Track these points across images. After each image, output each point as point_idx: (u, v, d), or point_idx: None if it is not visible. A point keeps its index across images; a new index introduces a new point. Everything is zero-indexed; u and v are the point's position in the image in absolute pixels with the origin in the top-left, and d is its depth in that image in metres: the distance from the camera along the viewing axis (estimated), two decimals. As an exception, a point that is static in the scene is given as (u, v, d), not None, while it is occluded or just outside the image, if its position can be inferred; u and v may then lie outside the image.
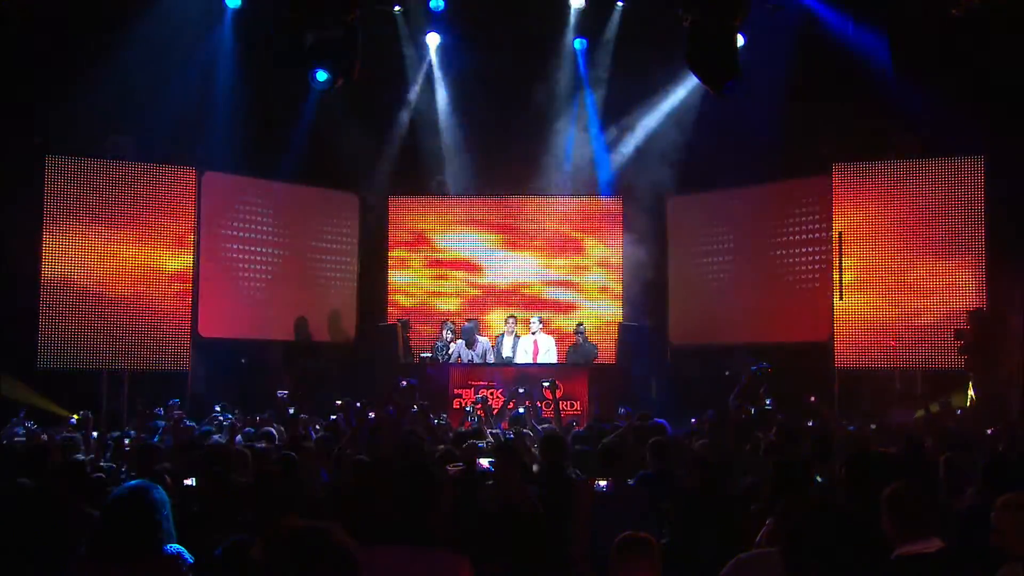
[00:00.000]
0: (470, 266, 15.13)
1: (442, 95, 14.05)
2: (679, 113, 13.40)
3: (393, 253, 15.06)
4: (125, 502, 3.65)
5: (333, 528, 2.33)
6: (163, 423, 8.68)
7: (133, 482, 5.16)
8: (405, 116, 14.11)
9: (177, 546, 3.70)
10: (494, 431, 7.86)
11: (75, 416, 8.23)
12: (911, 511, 3.65)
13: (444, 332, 13.19)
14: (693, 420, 9.05)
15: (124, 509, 3.61)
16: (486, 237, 15.12)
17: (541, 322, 13.30)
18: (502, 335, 13.21)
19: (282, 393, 8.61)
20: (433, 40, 13.72)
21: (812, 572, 2.15)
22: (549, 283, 15.07)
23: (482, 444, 5.82)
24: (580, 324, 13.57)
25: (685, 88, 13.06)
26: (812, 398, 9.34)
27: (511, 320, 13.33)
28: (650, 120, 13.56)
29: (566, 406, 11.73)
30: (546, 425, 8.19)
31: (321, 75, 6.97)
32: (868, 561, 2.13)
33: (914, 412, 10.48)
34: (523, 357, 12.91)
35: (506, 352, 12.99)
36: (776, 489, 4.23)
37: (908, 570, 3.56)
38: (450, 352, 12.97)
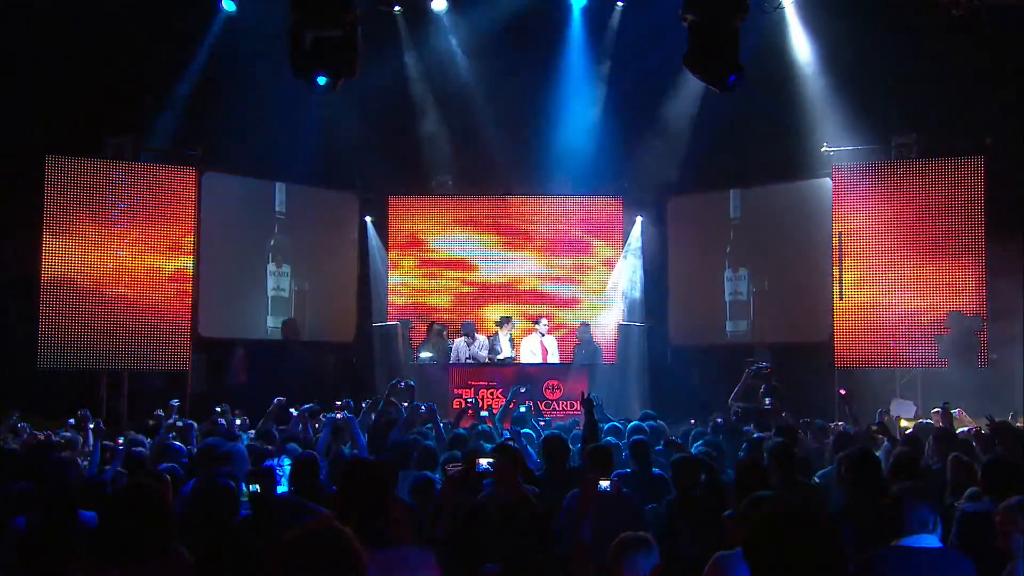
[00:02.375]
0: (469, 266, 15.13)
1: (442, 95, 14.04)
2: (679, 113, 13.39)
3: (393, 253, 15.07)
4: (126, 500, 3.65)
5: (345, 531, 2.34)
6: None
7: (134, 480, 5.18)
8: (405, 116, 14.10)
9: (178, 546, 3.70)
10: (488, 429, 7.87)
11: (72, 419, 8.22)
12: (911, 508, 3.78)
13: (443, 334, 13.17)
14: (692, 421, 9.04)
15: (125, 508, 3.61)
16: (486, 237, 15.12)
17: (547, 323, 13.29)
18: (496, 335, 13.20)
19: (279, 399, 8.61)
20: (434, 41, 13.71)
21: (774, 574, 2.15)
22: (549, 282, 15.08)
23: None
24: (586, 324, 13.56)
25: (686, 88, 13.06)
26: (842, 391, 9.34)
27: (508, 322, 13.32)
28: (651, 120, 13.55)
29: (566, 406, 11.75)
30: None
31: (320, 79, 6.95)
32: (837, 561, 2.12)
33: (914, 405, 10.49)
34: (530, 358, 12.89)
35: (505, 353, 12.95)
36: (741, 490, 4.29)
37: (902, 560, 3.68)
38: (449, 349, 12.98)
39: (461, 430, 7.82)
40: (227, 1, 12.04)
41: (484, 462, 5.02)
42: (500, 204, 15.14)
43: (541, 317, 13.35)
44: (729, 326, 14.05)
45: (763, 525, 2.19)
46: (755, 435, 7.47)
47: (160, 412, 9.32)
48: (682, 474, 5.49)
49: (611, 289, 14.88)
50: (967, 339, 11.22)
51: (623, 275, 14.71)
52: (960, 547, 4.31)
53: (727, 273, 14.02)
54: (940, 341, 11.27)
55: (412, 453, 6.35)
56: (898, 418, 9.73)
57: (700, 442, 7.24)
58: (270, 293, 13.76)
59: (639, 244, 14.56)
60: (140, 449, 6.60)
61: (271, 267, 13.73)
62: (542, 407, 9.89)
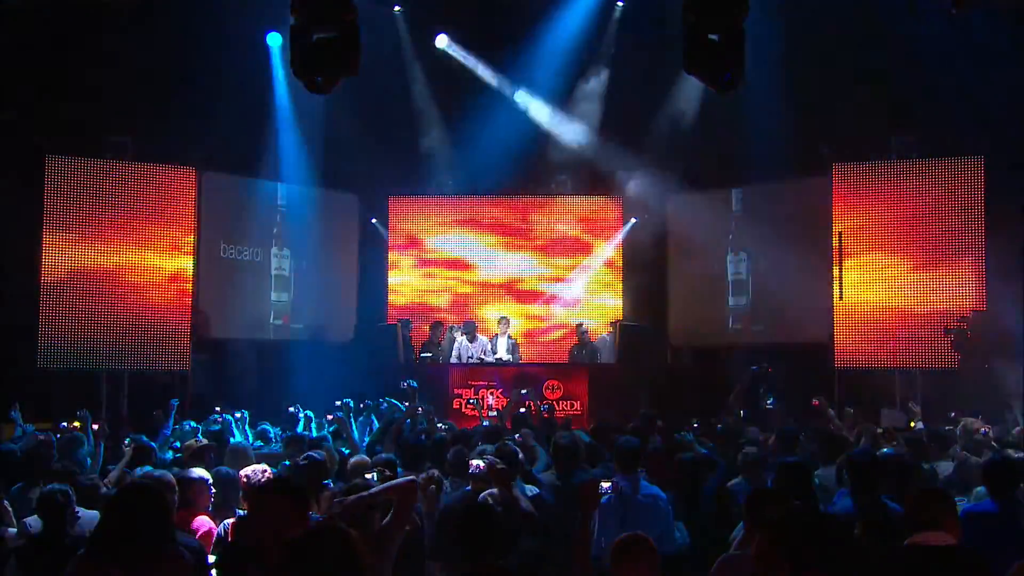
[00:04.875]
0: (469, 266, 15.13)
1: (442, 95, 14.03)
2: (679, 113, 13.39)
3: (393, 253, 15.07)
4: (127, 499, 3.64)
5: (349, 531, 2.33)
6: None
7: (137, 479, 5.18)
8: (405, 116, 14.09)
9: (178, 547, 3.69)
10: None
11: (68, 423, 8.19)
12: (925, 509, 3.88)
13: (456, 334, 13.15)
14: (696, 424, 9.01)
15: (125, 508, 3.60)
16: (485, 237, 15.13)
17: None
18: (495, 336, 13.19)
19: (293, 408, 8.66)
20: (439, 41, 13.71)
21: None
22: (548, 282, 15.09)
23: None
24: (582, 324, 13.57)
25: (686, 88, 13.05)
26: (815, 401, 9.32)
27: (504, 321, 13.32)
28: (650, 120, 13.55)
29: (566, 406, 11.74)
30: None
31: (318, 79, 6.92)
32: (842, 560, 2.12)
33: (906, 416, 10.45)
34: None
35: (502, 354, 12.93)
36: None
37: (913, 557, 3.68)
38: (454, 347, 12.99)
39: (463, 430, 7.83)
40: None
41: (475, 463, 5.01)
42: (500, 204, 15.14)
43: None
44: (731, 301, 14.08)
45: (777, 526, 2.19)
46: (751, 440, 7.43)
47: (159, 412, 9.35)
48: (690, 473, 5.50)
49: (611, 289, 14.90)
50: (987, 340, 11.16)
51: (623, 275, 14.77)
52: (965, 544, 4.33)
53: (729, 257, 14.05)
54: (957, 335, 11.23)
55: (425, 453, 6.32)
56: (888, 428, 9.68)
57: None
58: (273, 272, 13.90)
59: (639, 243, 14.60)
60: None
61: (274, 250, 13.86)
62: (542, 406, 9.89)
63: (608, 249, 14.87)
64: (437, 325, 13.52)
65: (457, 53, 13.72)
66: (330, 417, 7.88)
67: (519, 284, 15.09)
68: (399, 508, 3.89)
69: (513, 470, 5.18)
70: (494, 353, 12.91)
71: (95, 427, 7.50)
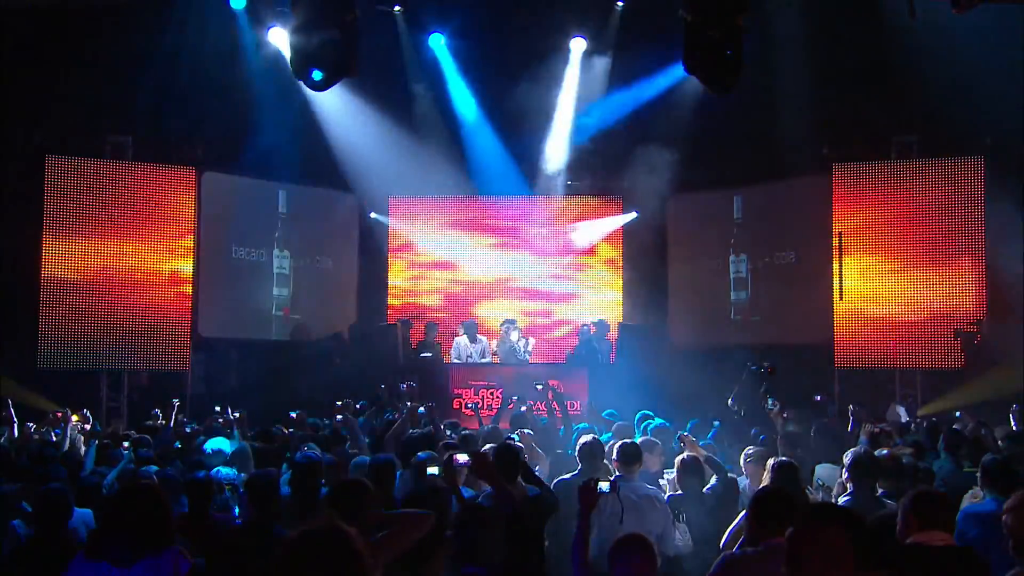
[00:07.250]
0: (469, 266, 15.11)
1: (443, 95, 14.03)
2: (679, 113, 13.38)
3: (393, 253, 15.05)
4: (126, 501, 3.64)
5: (348, 530, 2.33)
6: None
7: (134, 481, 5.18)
8: (406, 116, 14.09)
9: (176, 546, 3.70)
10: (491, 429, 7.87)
11: (59, 412, 8.20)
12: (926, 509, 3.88)
13: (508, 331, 13.10)
14: (695, 422, 9.01)
15: (125, 508, 3.61)
16: (486, 237, 15.12)
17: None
18: (511, 338, 13.14)
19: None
20: (435, 41, 13.73)
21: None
22: (549, 282, 15.08)
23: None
24: (584, 324, 13.53)
25: (685, 88, 13.04)
26: (818, 397, 9.33)
27: (509, 323, 13.29)
28: (650, 119, 13.53)
29: (567, 406, 11.71)
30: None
31: (316, 75, 6.93)
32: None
33: (904, 411, 10.47)
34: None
35: (521, 354, 12.91)
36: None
37: (914, 556, 3.73)
38: (454, 348, 12.97)
39: (467, 430, 7.82)
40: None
41: (461, 458, 4.97)
42: (500, 204, 15.13)
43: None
44: (732, 296, 14.13)
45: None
46: (761, 436, 7.45)
47: (158, 412, 9.36)
48: (687, 474, 5.51)
49: (611, 289, 14.90)
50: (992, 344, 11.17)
51: (623, 275, 14.75)
52: (963, 544, 4.33)
53: (731, 258, 14.07)
54: (965, 337, 11.24)
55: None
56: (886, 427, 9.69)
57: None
58: (275, 271, 13.97)
59: (639, 243, 14.58)
60: (146, 450, 6.63)
61: (276, 252, 13.97)
62: (542, 407, 9.88)
63: (607, 230, 14.87)
64: (432, 326, 13.50)
65: (456, 52, 13.72)
66: (339, 417, 7.88)
67: (519, 284, 15.07)
68: (404, 530, 3.79)
69: (516, 468, 5.18)
70: (516, 355, 12.86)
71: (87, 427, 7.52)
